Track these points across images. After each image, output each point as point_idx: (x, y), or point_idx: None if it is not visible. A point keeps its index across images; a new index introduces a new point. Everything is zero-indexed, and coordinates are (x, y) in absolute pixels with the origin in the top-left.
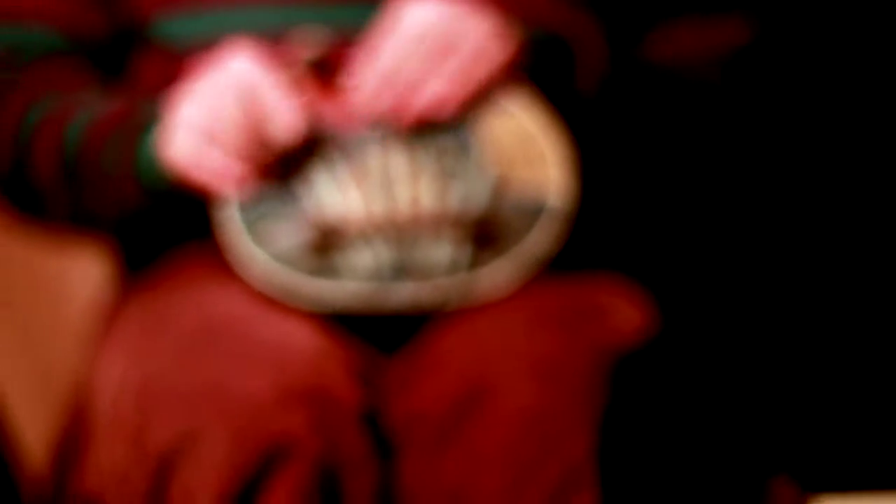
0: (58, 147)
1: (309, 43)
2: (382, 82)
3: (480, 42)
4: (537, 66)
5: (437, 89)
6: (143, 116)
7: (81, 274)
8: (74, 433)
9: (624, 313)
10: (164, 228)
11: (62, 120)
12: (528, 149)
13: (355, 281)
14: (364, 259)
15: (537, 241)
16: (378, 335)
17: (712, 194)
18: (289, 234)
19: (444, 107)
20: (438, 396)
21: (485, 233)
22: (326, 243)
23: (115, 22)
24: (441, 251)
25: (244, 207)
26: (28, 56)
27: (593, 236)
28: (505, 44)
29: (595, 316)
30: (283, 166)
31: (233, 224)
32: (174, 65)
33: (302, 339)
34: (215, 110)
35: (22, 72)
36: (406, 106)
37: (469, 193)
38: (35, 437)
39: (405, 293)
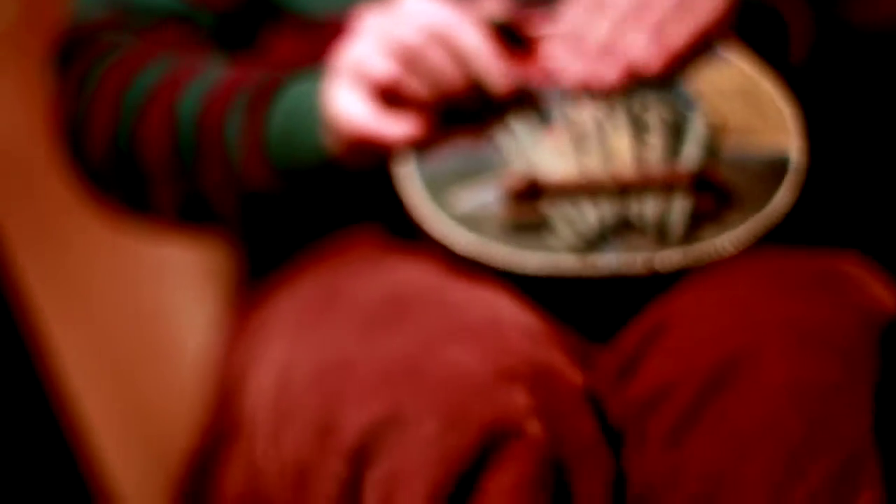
0: (169, 118)
1: (493, 5)
2: (570, 49)
3: None
4: (748, 33)
5: (634, 49)
6: (273, 81)
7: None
8: (214, 436)
9: (876, 285)
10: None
11: (175, 87)
12: (753, 96)
13: (565, 242)
14: (574, 218)
15: (776, 196)
16: (590, 317)
17: None
18: (482, 193)
19: (645, 67)
20: (681, 373)
21: (711, 188)
22: (527, 203)
23: None
24: (659, 208)
25: (428, 165)
26: (144, 19)
27: (824, 205)
28: None
29: (850, 282)
30: (472, 119)
31: (416, 185)
32: (310, 39)
33: (510, 310)
34: (405, 44)
35: (133, 35)
36: (600, 71)
37: (689, 147)
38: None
39: (621, 255)
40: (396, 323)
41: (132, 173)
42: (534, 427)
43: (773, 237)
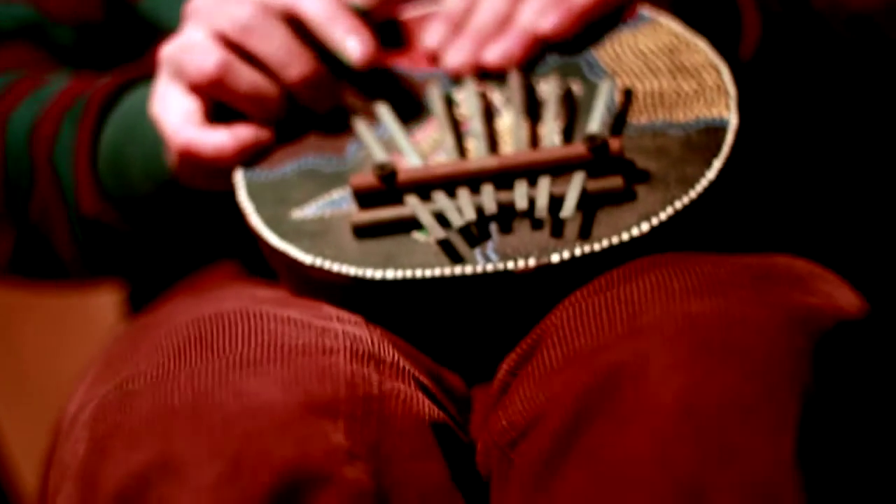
0: None
1: None
2: (450, 30)
3: None
4: (691, 19)
5: (531, 16)
6: (112, 83)
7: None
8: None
9: (831, 283)
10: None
11: (9, 105)
12: (683, 57)
13: (433, 242)
14: (446, 212)
15: (706, 170)
16: (468, 343)
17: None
18: (333, 196)
19: (547, 34)
20: (548, 400)
21: (621, 164)
22: (385, 201)
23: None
24: (553, 192)
25: (266, 169)
26: None
27: (767, 194)
28: None
29: (790, 279)
30: (329, 116)
31: (245, 192)
32: None
33: (348, 333)
34: (235, 23)
35: None
36: (494, 52)
37: (594, 120)
38: None
39: (504, 252)
40: (195, 353)
41: None
42: (354, 471)
43: (704, 232)
